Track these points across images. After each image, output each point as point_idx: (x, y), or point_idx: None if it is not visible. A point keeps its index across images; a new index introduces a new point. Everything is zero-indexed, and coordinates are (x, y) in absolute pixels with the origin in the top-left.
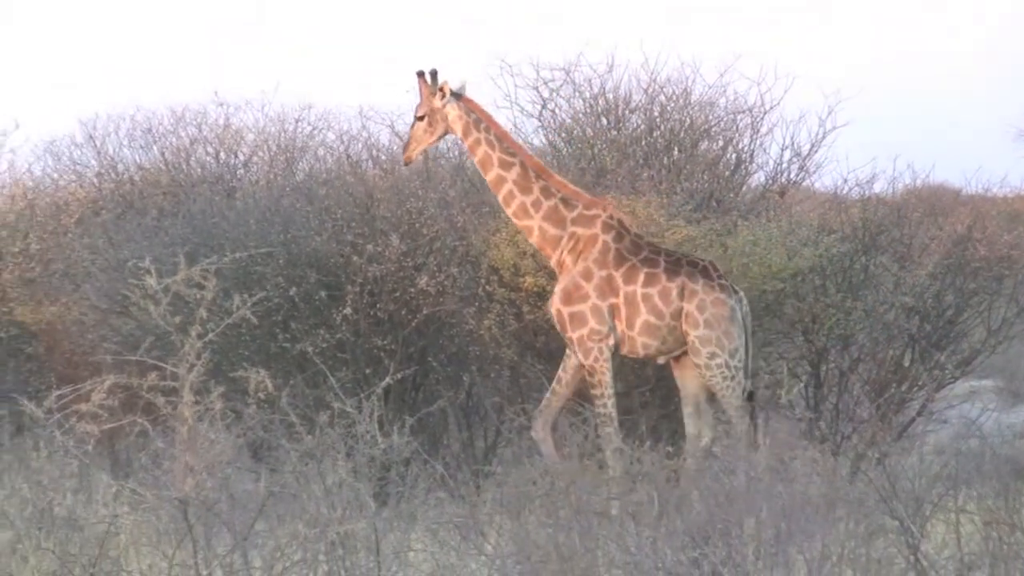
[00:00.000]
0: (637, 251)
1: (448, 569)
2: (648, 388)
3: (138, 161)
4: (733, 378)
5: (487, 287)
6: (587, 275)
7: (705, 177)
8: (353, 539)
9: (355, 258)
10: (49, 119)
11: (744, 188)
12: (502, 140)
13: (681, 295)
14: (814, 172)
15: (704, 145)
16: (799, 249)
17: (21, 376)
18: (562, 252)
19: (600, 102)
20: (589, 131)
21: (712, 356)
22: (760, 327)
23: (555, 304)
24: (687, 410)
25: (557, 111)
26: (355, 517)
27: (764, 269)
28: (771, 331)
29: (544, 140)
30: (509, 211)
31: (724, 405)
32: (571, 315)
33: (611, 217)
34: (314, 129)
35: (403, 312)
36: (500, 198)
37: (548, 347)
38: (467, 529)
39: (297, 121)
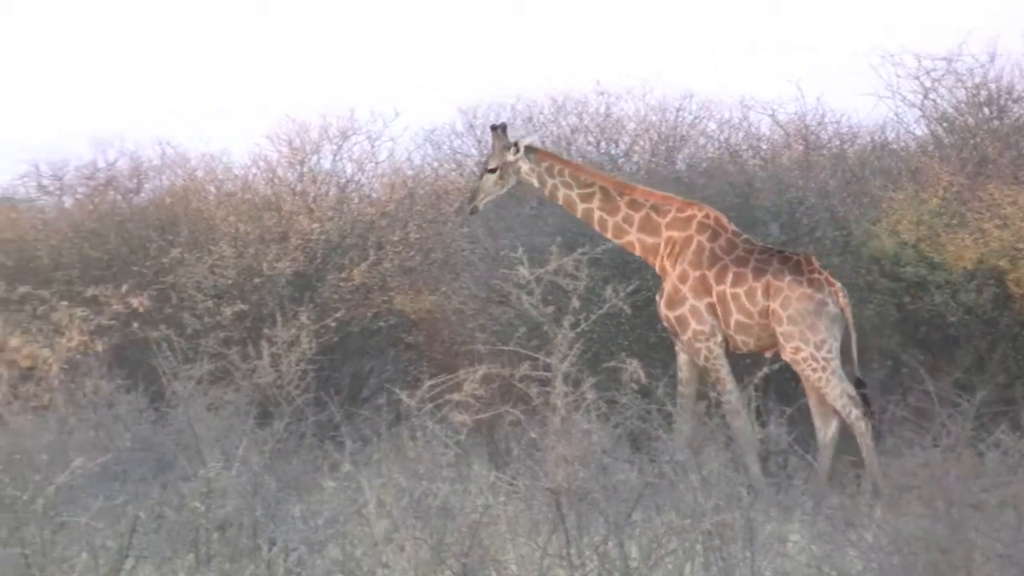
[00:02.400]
0: (731, 250)
1: (824, 560)
2: None
3: None
4: (824, 369)
5: (867, 277)
6: (683, 277)
7: None
8: (731, 529)
9: None
10: (429, 108)
11: None
12: (576, 176)
13: (766, 294)
14: None
15: None
16: None
17: (400, 365)
18: (661, 258)
19: (982, 92)
20: (971, 120)
21: (797, 351)
22: None
23: (661, 309)
24: (811, 401)
25: (939, 101)
26: (730, 507)
27: None
28: None
29: (926, 130)
30: (608, 235)
31: (825, 397)
32: (676, 318)
33: (707, 216)
34: (695, 118)
35: None
36: (597, 228)
37: (930, 337)
38: (844, 520)
39: (678, 110)
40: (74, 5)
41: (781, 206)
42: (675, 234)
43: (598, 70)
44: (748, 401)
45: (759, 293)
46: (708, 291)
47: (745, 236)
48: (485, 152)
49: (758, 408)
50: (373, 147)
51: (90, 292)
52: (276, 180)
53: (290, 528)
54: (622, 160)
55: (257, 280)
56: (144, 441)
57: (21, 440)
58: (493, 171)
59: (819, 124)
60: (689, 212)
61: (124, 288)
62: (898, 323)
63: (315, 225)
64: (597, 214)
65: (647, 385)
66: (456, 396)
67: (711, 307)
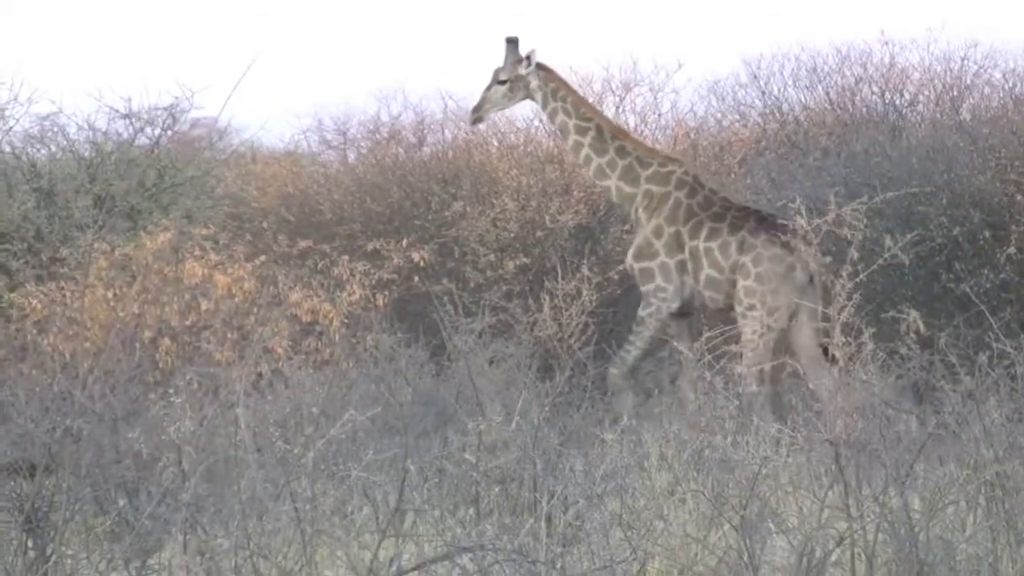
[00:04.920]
0: (708, 206)
1: None
2: None
3: (802, 101)
4: (761, 335)
5: None
6: (658, 232)
7: None
8: (1013, 480)
9: (1019, 197)
10: (713, 59)
11: None
12: (578, 107)
13: (740, 248)
14: None
15: None
16: None
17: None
18: (637, 209)
19: None
20: None
21: (751, 307)
22: None
23: (628, 259)
24: (802, 363)
25: None
26: (1012, 458)
27: None
28: None
29: None
30: (589, 173)
31: (743, 355)
32: (641, 270)
33: (686, 173)
34: (980, 68)
35: None
36: (580, 161)
37: None
38: None
39: (963, 59)
40: None
41: None
42: (654, 188)
43: (883, 19)
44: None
45: (733, 247)
46: (681, 248)
47: (723, 195)
48: (769, 103)
49: None
50: (656, 99)
51: (371, 246)
52: (559, 133)
53: (569, 482)
54: (907, 110)
55: (539, 233)
56: (425, 395)
57: (301, 395)
58: (503, 83)
59: None
60: (670, 167)
61: (406, 242)
62: None
63: None
64: (585, 150)
65: (928, 336)
66: (735, 348)
67: (681, 264)
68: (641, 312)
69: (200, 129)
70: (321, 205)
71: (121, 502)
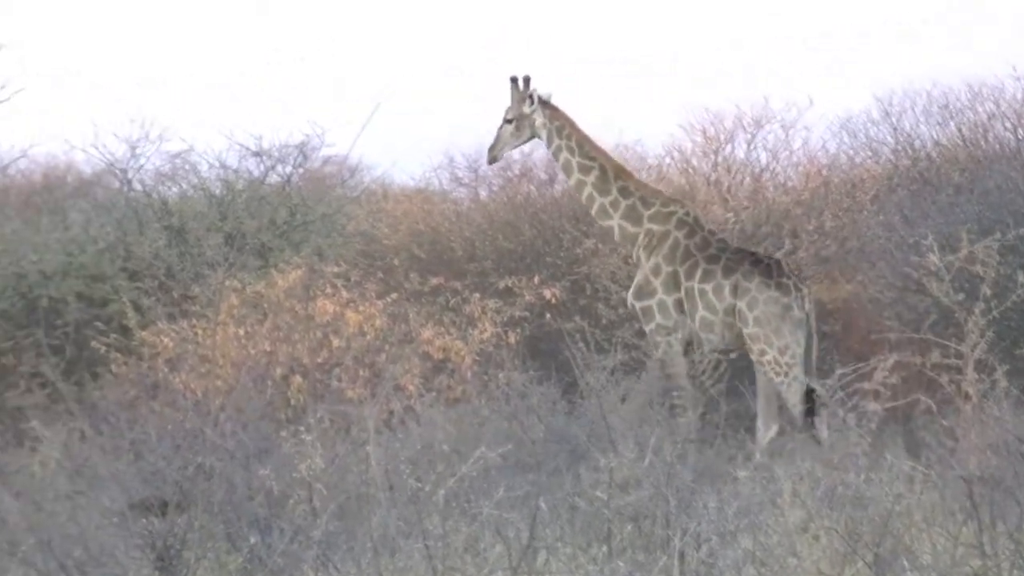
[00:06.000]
0: (704, 248)
1: None
2: None
3: (934, 137)
4: (786, 374)
5: None
6: (656, 270)
7: None
8: None
9: None
10: (845, 95)
11: None
12: (582, 145)
13: (734, 292)
14: None
15: None
16: None
17: (817, 354)
18: (638, 248)
19: None
20: None
21: (762, 353)
22: None
23: (629, 298)
24: (759, 403)
25: None
26: None
27: None
28: None
29: None
30: (592, 212)
31: (784, 400)
32: (642, 309)
33: (687, 214)
34: None
35: None
36: (583, 200)
37: None
38: None
39: None
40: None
41: None
42: (655, 227)
43: (1015, 55)
44: (696, 401)
45: (727, 290)
46: (678, 287)
47: (720, 236)
48: (901, 139)
49: None
50: (787, 135)
51: (503, 283)
52: (690, 170)
53: (702, 519)
54: None
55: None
56: (557, 432)
57: (432, 432)
58: (510, 122)
59: None
60: (671, 208)
61: (537, 279)
62: None
63: (729, 215)
64: (588, 189)
65: None
66: (867, 385)
67: (678, 303)
68: (657, 356)
69: (331, 167)
70: (453, 242)
71: (253, 539)
